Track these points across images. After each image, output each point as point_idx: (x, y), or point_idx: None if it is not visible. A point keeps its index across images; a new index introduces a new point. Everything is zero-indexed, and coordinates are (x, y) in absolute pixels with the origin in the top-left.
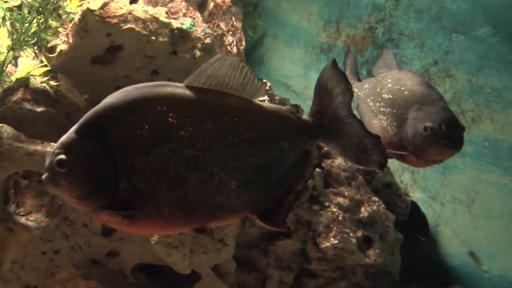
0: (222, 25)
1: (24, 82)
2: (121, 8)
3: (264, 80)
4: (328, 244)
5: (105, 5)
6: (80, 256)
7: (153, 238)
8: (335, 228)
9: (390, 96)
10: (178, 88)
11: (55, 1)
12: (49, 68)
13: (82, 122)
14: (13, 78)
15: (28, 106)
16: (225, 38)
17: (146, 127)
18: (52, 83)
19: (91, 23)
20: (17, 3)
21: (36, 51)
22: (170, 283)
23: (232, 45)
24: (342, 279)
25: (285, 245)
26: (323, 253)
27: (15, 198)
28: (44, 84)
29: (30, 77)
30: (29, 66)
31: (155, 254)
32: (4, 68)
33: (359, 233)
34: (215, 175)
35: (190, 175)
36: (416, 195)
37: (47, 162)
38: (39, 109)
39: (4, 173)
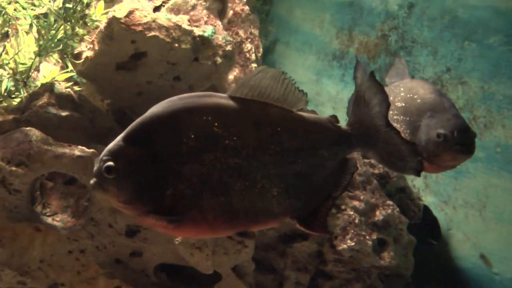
0: (241, 32)
1: (49, 87)
2: (146, 16)
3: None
4: (345, 246)
5: (130, 13)
6: (104, 255)
7: (177, 239)
8: (352, 231)
9: (403, 104)
10: (221, 99)
11: (81, 10)
12: (73, 74)
13: (129, 130)
14: (38, 83)
15: (53, 110)
16: (243, 45)
17: (192, 136)
18: (76, 88)
19: (116, 31)
20: (44, 11)
21: (62, 57)
22: (191, 283)
23: (251, 52)
24: (357, 280)
25: (302, 247)
26: (339, 255)
27: (41, 199)
28: (69, 89)
29: (55, 82)
30: (54, 72)
31: (178, 254)
32: (30, 73)
33: (374, 236)
34: (258, 182)
35: (234, 182)
36: (428, 199)
37: (95, 168)
38: (63, 113)
39: (33, 174)
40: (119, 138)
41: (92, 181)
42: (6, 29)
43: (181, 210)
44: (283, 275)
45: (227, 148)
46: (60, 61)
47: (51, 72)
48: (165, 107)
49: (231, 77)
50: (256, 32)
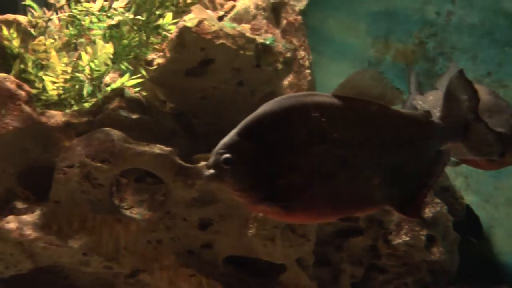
0: (294, 41)
1: (119, 92)
2: (214, 25)
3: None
4: (400, 240)
5: (200, 22)
6: (179, 246)
7: (251, 231)
8: (406, 227)
9: None
10: (326, 97)
11: (154, 20)
12: (142, 80)
13: (242, 126)
14: (108, 89)
15: (124, 113)
16: (297, 52)
17: (303, 130)
18: (144, 93)
19: (188, 39)
20: (114, 22)
21: (136, 64)
22: (256, 275)
23: (304, 59)
24: (408, 274)
25: (357, 241)
26: (394, 249)
27: (118, 194)
28: (137, 94)
29: (124, 87)
30: (124, 78)
31: (246, 246)
32: (103, 79)
33: (424, 232)
34: (362, 172)
35: (341, 172)
36: (469, 198)
37: (211, 160)
38: (134, 116)
39: (116, 170)
40: (233, 133)
41: (208, 172)
42: (80, 40)
43: (292, 198)
44: (339, 268)
45: (334, 141)
46: (130, 67)
47: (123, 77)
48: (275, 105)
49: (285, 83)
50: (306, 40)
